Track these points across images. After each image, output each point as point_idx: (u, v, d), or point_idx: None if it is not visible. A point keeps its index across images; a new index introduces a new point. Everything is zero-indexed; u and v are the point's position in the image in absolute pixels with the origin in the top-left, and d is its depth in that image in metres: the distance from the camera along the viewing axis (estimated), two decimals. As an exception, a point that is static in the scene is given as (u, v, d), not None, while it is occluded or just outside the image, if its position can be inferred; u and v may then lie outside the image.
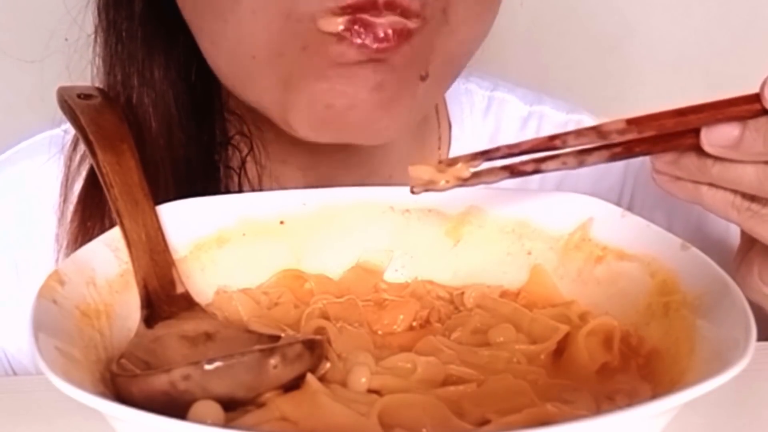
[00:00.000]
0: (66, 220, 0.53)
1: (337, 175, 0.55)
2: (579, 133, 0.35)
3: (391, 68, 0.42)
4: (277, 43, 0.42)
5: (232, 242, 0.42)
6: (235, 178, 0.54)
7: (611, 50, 0.95)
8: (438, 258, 0.44)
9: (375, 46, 0.41)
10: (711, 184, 0.37)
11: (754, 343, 0.29)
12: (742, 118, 0.34)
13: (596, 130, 0.35)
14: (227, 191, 0.53)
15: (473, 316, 0.40)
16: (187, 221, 0.42)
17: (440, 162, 0.36)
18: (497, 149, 0.35)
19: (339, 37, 0.41)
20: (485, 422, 0.31)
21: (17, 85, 0.76)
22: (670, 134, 0.36)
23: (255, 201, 0.44)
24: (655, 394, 0.33)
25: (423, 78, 0.44)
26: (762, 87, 0.33)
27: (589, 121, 0.62)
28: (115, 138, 0.43)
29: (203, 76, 0.51)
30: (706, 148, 0.35)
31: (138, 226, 0.39)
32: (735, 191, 0.37)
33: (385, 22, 0.41)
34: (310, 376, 0.33)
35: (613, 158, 0.36)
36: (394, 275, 0.44)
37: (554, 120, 0.62)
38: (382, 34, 0.41)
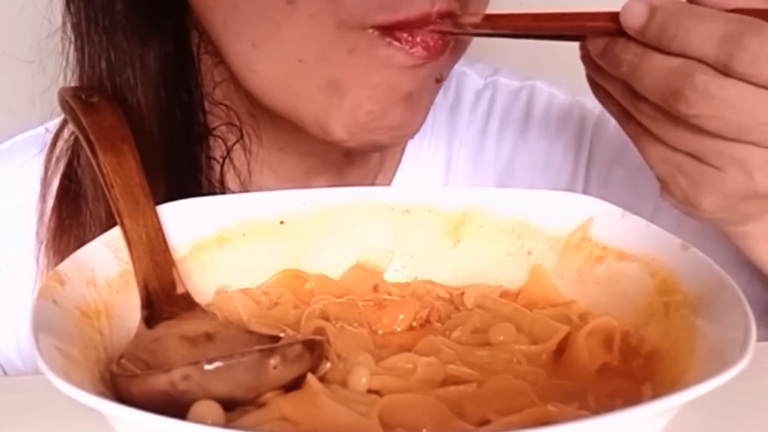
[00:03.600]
0: (45, 217, 0.53)
1: (337, 162, 0.56)
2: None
3: (422, 77, 0.46)
4: (327, 46, 0.44)
5: (232, 242, 0.42)
6: (217, 168, 0.54)
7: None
8: (438, 258, 0.44)
9: (424, 53, 0.44)
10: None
11: (754, 343, 0.29)
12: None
13: (453, 21, 0.44)
14: (209, 182, 0.53)
15: (473, 315, 0.40)
16: (187, 221, 0.42)
17: None
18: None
19: (388, 42, 0.44)
20: (485, 422, 0.31)
21: (17, 85, 0.76)
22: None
23: (255, 201, 0.44)
24: (655, 394, 0.33)
25: (439, 81, 0.48)
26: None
27: (542, 86, 0.64)
28: (116, 138, 0.43)
29: (186, 68, 0.52)
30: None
31: (138, 226, 0.39)
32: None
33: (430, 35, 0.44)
34: (310, 377, 0.33)
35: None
36: (394, 275, 0.44)
37: (507, 88, 0.64)
38: (431, 43, 0.44)
